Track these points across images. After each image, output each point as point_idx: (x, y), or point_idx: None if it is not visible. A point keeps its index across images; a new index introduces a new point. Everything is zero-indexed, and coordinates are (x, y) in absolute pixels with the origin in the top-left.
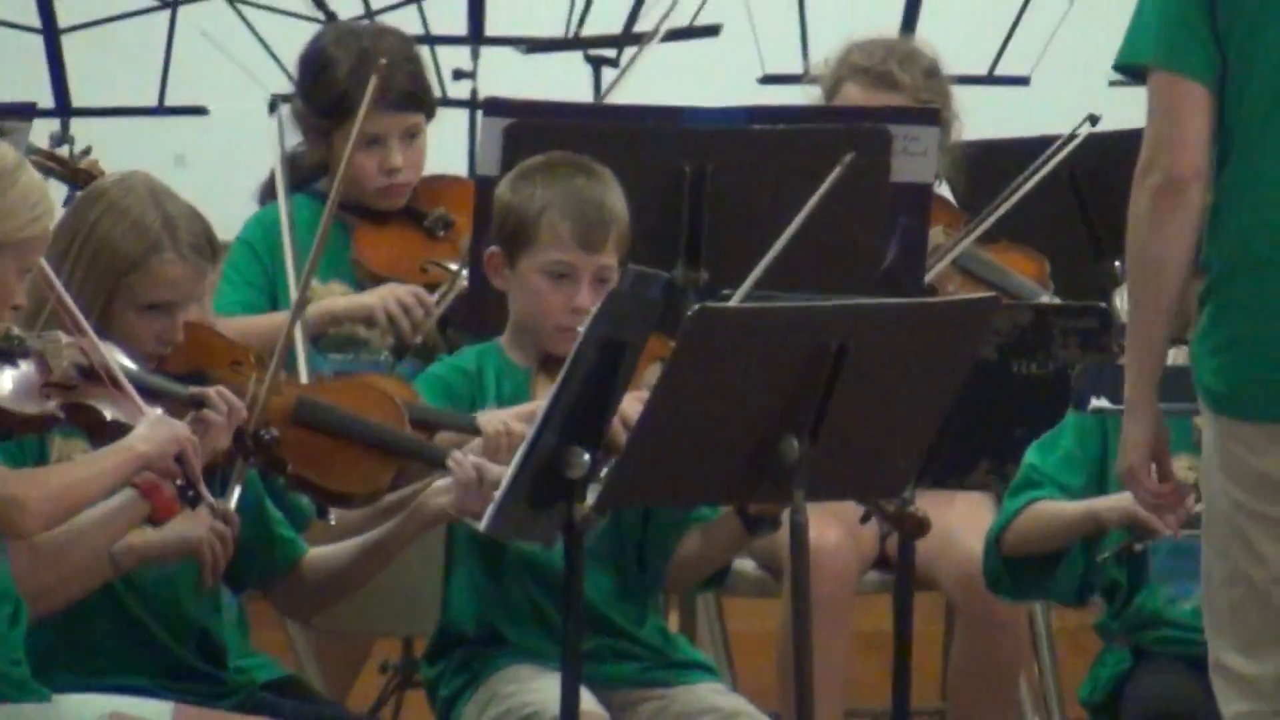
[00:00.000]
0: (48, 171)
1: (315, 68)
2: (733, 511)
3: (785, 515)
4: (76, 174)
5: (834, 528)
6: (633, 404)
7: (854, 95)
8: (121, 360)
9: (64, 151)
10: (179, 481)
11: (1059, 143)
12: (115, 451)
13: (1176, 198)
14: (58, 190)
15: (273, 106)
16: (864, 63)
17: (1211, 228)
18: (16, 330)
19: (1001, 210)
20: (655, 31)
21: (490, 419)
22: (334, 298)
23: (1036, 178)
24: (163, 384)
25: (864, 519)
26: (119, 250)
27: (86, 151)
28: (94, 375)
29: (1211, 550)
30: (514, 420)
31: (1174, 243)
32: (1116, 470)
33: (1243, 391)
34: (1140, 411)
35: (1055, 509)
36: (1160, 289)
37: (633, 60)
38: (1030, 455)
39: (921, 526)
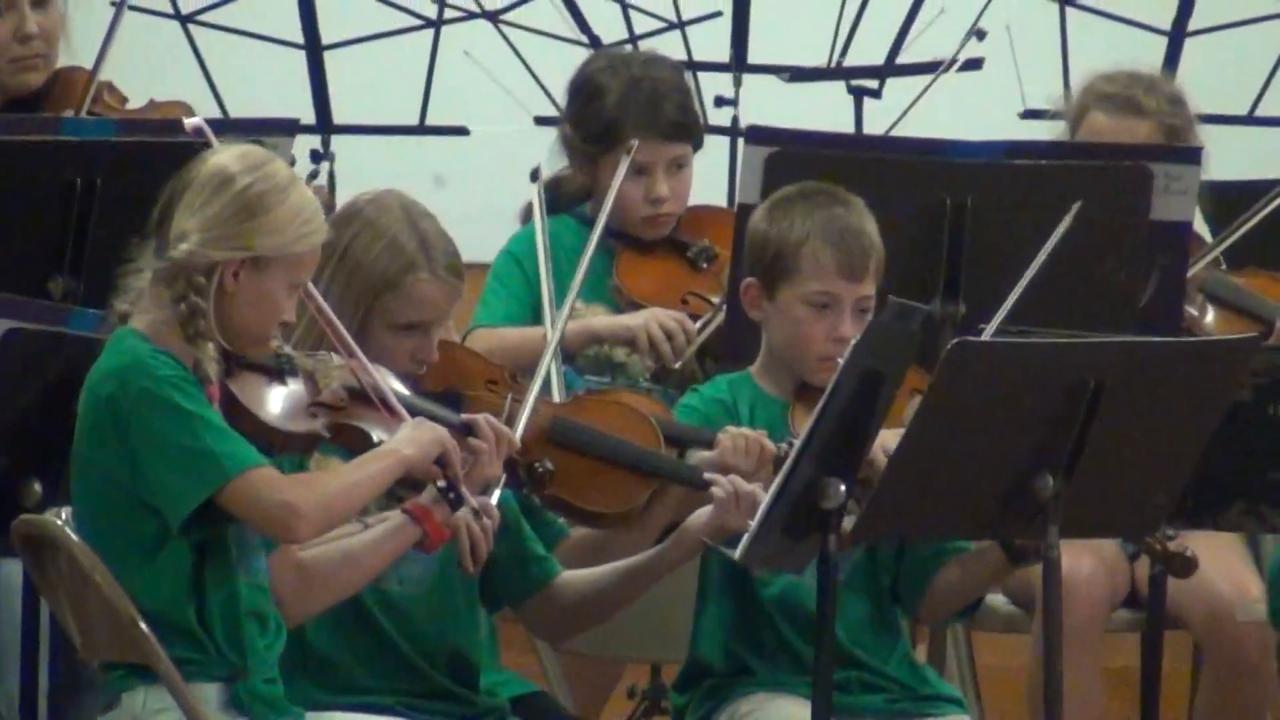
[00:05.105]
0: None
1: (585, 95)
2: (995, 543)
3: None
4: None
5: (1088, 558)
6: (893, 437)
7: (1100, 123)
8: (393, 384)
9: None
10: (440, 483)
11: None
12: (380, 456)
13: None
14: None
15: (534, 176)
16: (1109, 89)
17: None
18: (287, 349)
19: (1238, 235)
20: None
21: (727, 431)
22: (596, 316)
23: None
24: (432, 409)
25: (1133, 557)
26: (375, 270)
27: (313, 175)
28: (363, 397)
29: None
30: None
31: None
32: None
33: None
34: None
35: None
36: None
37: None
38: None
39: (1189, 565)
